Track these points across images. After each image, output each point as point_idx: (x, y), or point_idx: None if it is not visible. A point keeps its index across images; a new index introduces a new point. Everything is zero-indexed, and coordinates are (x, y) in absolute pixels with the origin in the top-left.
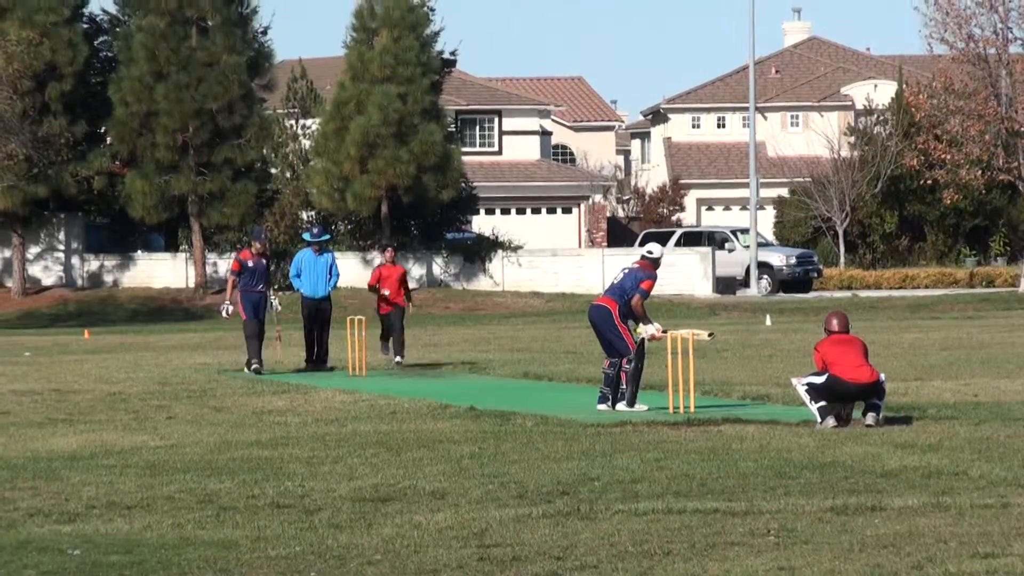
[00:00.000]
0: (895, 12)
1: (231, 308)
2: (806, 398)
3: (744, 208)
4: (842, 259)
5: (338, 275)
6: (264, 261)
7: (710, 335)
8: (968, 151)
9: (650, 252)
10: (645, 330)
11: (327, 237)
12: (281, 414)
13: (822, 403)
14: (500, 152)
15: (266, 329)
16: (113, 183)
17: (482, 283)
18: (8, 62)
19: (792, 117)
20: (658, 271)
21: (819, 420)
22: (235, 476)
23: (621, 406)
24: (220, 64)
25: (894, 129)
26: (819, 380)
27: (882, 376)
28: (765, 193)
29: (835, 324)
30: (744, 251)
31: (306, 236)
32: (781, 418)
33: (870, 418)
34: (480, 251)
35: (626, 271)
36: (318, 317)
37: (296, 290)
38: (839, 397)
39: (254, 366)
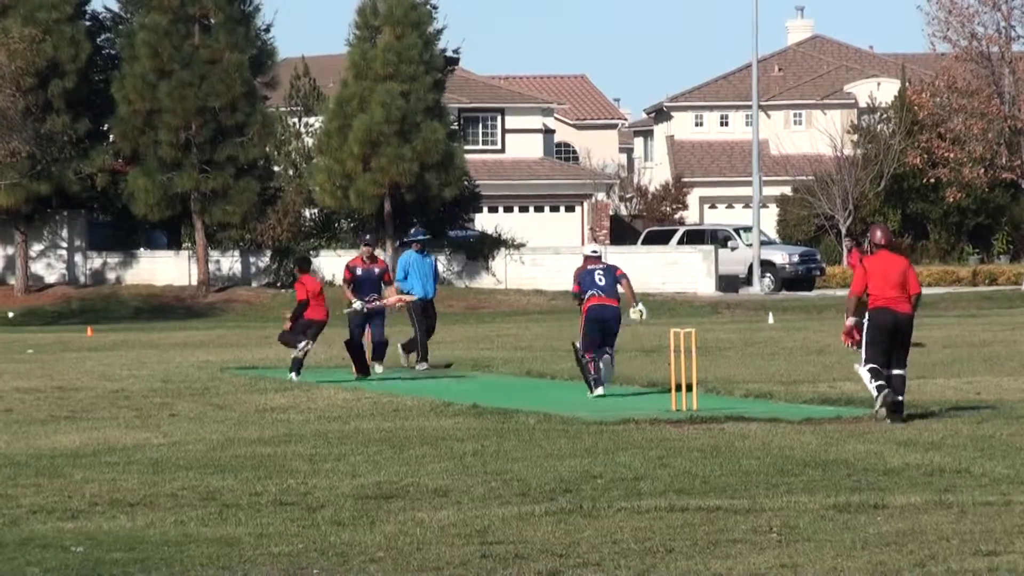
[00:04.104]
0: (898, 10)
1: (358, 304)
2: (866, 377)
3: (747, 206)
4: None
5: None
6: (376, 269)
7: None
8: (971, 149)
9: (594, 252)
10: (639, 310)
11: (426, 236)
12: (284, 411)
13: (880, 381)
14: (503, 150)
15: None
16: (116, 181)
17: (485, 281)
18: (11, 59)
19: (795, 115)
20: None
21: (876, 400)
22: (238, 473)
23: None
24: (223, 62)
25: (897, 127)
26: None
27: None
28: (768, 191)
29: (879, 236)
30: (747, 249)
31: (416, 236)
32: (784, 416)
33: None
34: (483, 249)
35: (601, 271)
36: (427, 316)
37: (407, 292)
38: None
39: (356, 377)
